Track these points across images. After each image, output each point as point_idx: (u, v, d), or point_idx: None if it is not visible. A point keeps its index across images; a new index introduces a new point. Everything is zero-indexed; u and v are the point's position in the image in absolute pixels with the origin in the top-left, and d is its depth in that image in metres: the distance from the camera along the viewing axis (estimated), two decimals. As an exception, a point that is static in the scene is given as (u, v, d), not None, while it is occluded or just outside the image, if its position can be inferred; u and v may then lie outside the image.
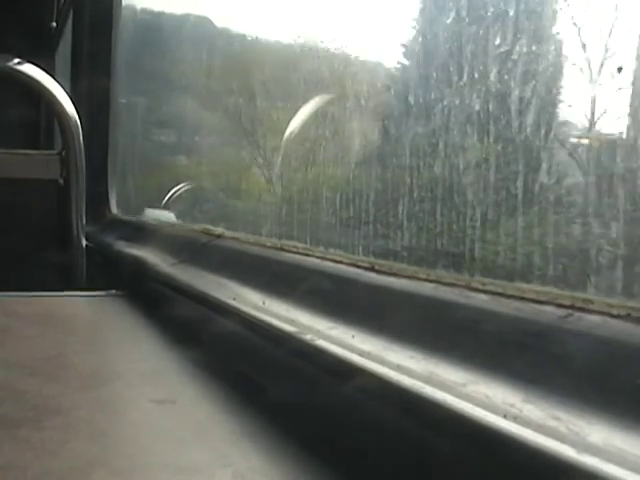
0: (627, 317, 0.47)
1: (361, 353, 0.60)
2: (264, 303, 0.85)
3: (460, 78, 0.79)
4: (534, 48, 0.77)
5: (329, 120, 1.09)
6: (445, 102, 0.82)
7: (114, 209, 2.36)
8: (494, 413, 0.44)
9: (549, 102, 0.76)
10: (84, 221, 1.91)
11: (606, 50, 0.69)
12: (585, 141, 0.74)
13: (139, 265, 1.46)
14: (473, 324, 0.57)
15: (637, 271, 0.68)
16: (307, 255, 0.92)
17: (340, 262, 0.82)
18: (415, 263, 0.86)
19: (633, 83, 0.66)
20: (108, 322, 1.35)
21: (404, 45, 0.93)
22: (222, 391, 0.79)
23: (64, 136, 1.89)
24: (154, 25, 2.75)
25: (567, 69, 0.76)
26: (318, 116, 1.10)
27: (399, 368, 0.55)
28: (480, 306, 0.58)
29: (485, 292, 0.59)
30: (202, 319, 1.00)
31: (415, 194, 0.85)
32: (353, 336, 0.65)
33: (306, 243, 0.97)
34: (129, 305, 1.41)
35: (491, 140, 0.77)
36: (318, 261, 0.87)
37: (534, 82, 0.75)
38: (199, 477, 0.58)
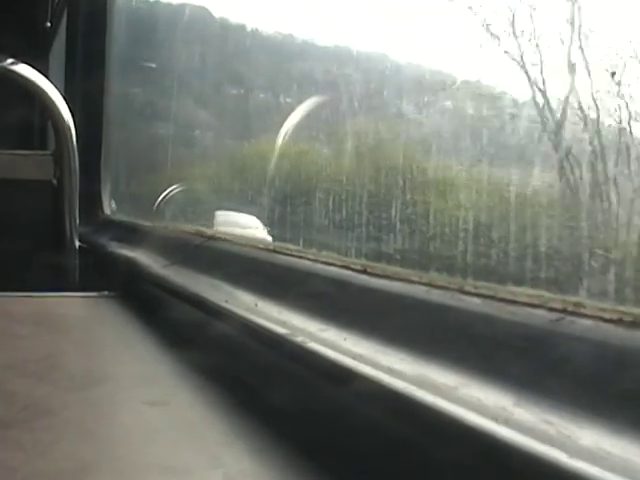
0: (619, 321, 0.47)
1: (353, 356, 0.60)
2: (256, 305, 0.85)
3: None
4: None
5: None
6: None
7: (107, 210, 2.35)
8: (485, 416, 0.44)
9: None
10: (77, 222, 1.91)
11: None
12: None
13: (132, 266, 1.46)
14: (465, 327, 0.57)
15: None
16: (300, 257, 0.92)
17: (332, 264, 0.82)
18: None
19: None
20: (100, 323, 1.35)
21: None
22: (214, 393, 0.79)
23: (57, 136, 1.88)
24: (149, 15, 2.72)
25: None
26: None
27: (390, 371, 0.55)
28: (472, 309, 0.58)
29: (477, 295, 0.59)
30: (194, 321, 1.00)
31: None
32: (345, 339, 0.65)
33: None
34: (121, 306, 1.41)
35: None
36: (310, 263, 0.87)
37: None
38: (190, 479, 0.58)
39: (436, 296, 0.63)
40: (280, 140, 1.63)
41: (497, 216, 0.84)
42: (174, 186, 2.26)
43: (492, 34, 0.79)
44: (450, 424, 0.45)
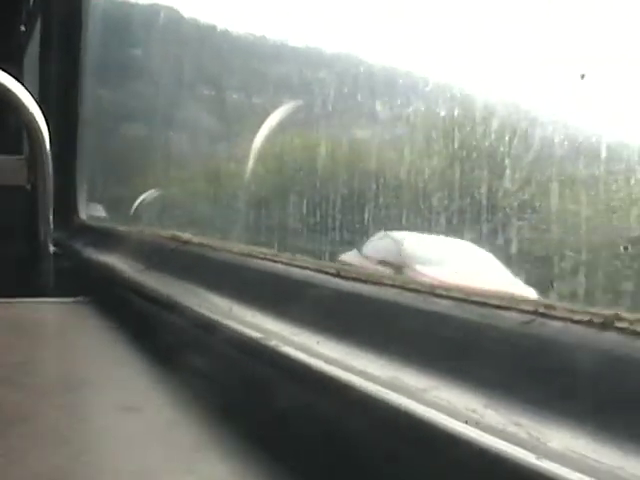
0: (589, 323, 0.48)
1: (325, 359, 0.60)
2: (231, 309, 0.85)
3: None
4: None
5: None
6: None
7: (82, 215, 2.34)
8: (455, 419, 0.44)
9: None
10: (51, 227, 1.90)
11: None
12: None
13: (107, 271, 1.45)
14: (437, 330, 0.57)
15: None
16: (274, 261, 0.92)
17: (306, 268, 0.82)
18: None
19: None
20: (75, 329, 1.35)
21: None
22: (188, 398, 0.79)
23: (31, 141, 1.87)
24: (117, 15, 2.68)
25: None
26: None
27: (363, 374, 0.55)
28: (444, 312, 0.58)
29: (449, 298, 0.60)
30: (169, 325, 1.00)
31: None
32: (318, 342, 0.65)
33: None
34: (96, 311, 1.41)
35: None
36: (284, 267, 0.87)
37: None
38: (163, 484, 0.58)
39: (408, 299, 0.63)
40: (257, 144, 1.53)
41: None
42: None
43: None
44: (421, 426, 0.46)
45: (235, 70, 1.78)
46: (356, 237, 1.20)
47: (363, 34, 1.17)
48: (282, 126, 1.38)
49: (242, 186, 1.57)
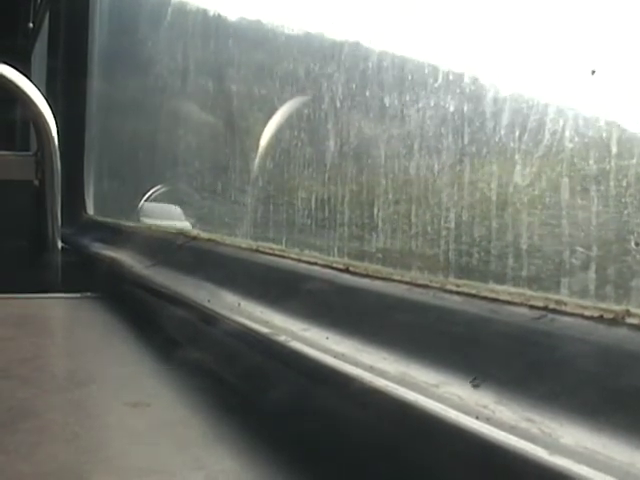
0: (599, 318, 0.47)
1: (335, 354, 0.60)
2: (239, 305, 0.85)
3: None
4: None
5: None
6: None
7: (90, 210, 2.34)
8: (466, 414, 0.44)
9: None
10: (60, 222, 1.90)
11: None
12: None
13: (115, 267, 1.45)
14: (446, 325, 0.57)
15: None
16: (282, 257, 0.92)
17: (315, 264, 0.82)
18: None
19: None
20: (83, 324, 1.35)
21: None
22: (196, 394, 0.79)
23: (39, 137, 1.88)
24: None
25: None
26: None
27: (372, 369, 0.55)
28: (454, 307, 0.58)
29: (459, 294, 0.59)
30: (177, 321, 1.00)
31: None
32: (327, 337, 0.65)
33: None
34: (105, 307, 1.41)
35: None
36: (293, 263, 0.87)
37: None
38: (172, 480, 0.58)
39: (417, 294, 0.63)
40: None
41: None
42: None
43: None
44: (432, 422, 0.45)
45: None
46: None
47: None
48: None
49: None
